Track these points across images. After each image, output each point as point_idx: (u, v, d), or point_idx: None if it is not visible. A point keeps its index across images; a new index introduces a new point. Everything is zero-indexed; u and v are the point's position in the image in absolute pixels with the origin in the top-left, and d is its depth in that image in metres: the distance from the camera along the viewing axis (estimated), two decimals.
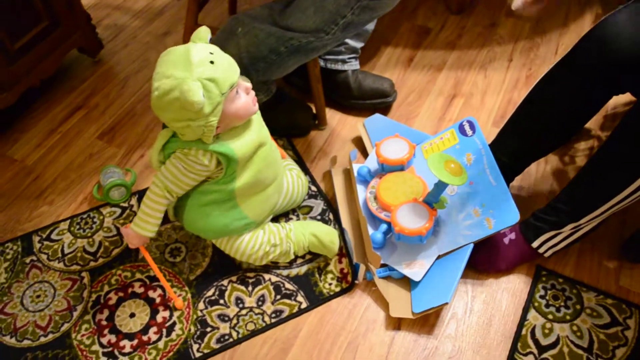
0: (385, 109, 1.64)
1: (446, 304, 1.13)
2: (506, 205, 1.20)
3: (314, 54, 1.31)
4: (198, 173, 1.13)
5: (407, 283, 1.25)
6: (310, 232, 1.29)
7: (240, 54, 1.33)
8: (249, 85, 1.11)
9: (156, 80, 1.02)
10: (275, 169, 1.24)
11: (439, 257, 1.24)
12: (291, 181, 1.35)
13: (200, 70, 0.99)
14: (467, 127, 1.35)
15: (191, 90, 0.97)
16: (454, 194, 1.30)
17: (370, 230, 1.28)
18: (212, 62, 1.01)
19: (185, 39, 1.61)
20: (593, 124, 1.57)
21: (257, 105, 1.13)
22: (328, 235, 1.28)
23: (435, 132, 1.56)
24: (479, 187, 1.26)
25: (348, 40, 1.57)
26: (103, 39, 1.90)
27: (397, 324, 1.23)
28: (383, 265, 1.27)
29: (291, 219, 1.40)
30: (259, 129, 1.17)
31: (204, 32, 1.08)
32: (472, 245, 1.21)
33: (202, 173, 1.13)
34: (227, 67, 1.04)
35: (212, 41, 1.45)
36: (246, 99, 1.09)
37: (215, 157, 1.11)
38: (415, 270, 1.22)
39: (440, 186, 1.19)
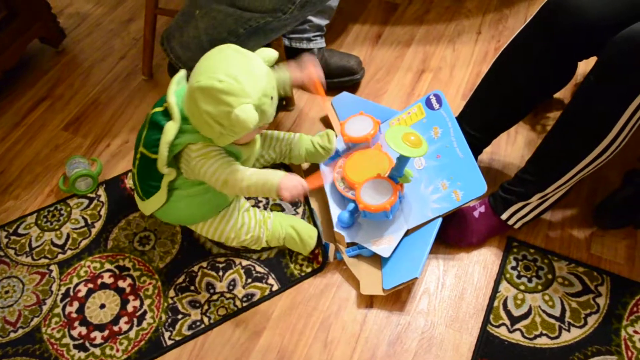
0: (353, 87, 1.62)
1: (416, 279, 1.13)
2: (473, 177, 1.20)
3: (273, 35, 1.29)
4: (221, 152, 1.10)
5: (378, 261, 1.25)
6: (289, 224, 1.25)
7: (200, 36, 1.30)
8: None
9: (221, 73, 0.98)
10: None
11: (408, 232, 1.23)
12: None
13: (264, 100, 1.00)
14: (433, 101, 1.34)
15: (248, 112, 0.97)
16: (422, 168, 1.29)
17: (340, 210, 1.27)
18: (272, 98, 1.03)
19: (147, 25, 1.57)
20: (564, 93, 1.56)
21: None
22: (308, 231, 1.25)
23: (404, 108, 1.54)
24: (447, 160, 1.26)
25: (312, 18, 1.54)
26: (66, 28, 1.85)
27: (369, 302, 1.22)
28: (353, 244, 1.26)
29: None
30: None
31: (274, 56, 1.08)
32: (440, 219, 1.20)
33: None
34: (272, 103, 1.05)
35: (171, 25, 1.42)
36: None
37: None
38: (383, 246, 1.21)
39: (402, 160, 1.17)
